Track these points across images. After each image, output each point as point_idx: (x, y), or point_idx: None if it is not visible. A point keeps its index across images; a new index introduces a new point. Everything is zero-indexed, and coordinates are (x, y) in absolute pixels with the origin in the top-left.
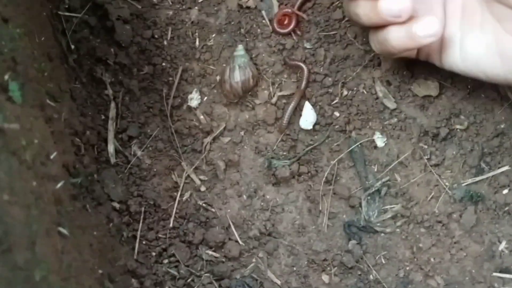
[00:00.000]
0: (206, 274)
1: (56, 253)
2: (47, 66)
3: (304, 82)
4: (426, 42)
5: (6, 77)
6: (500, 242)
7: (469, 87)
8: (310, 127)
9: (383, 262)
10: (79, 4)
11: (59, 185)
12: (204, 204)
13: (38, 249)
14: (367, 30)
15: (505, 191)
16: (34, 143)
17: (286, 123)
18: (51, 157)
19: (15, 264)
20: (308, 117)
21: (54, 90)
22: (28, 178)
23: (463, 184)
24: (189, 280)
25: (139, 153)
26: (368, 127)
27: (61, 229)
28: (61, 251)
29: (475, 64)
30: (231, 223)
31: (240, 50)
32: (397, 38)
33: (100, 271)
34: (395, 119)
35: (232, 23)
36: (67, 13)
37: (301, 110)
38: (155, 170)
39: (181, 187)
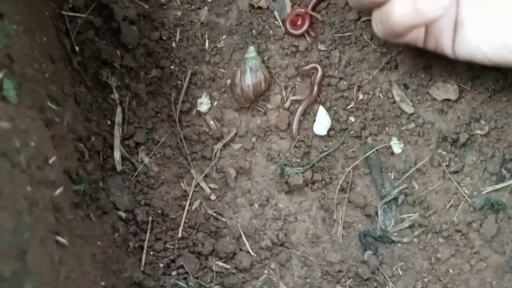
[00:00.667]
0: (216, 286)
1: (51, 264)
2: (49, 67)
3: (316, 87)
4: (433, 15)
5: (0, 75)
6: None
7: (489, 90)
8: (324, 132)
9: (400, 273)
10: (83, 4)
11: (58, 191)
12: (214, 213)
13: (30, 258)
14: (369, 13)
15: None
16: (30, 145)
17: (295, 130)
18: (50, 161)
19: (1, 275)
20: (322, 123)
21: (56, 93)
22: (21, 182)
23: (484, 192)
24: None
25: (146, 160)
26: (384, 132)
27: (59, 238)
28: (58, 262)
29: (492, 51)
30: (242, 233)
31: (251, 52)
32: (401, 14)
33: (103, 283)
34: (413, 124)
35: (243, 24)
36: (71, 13)
37: (315, 115)
38: (163, 178)
39: (190, 196)
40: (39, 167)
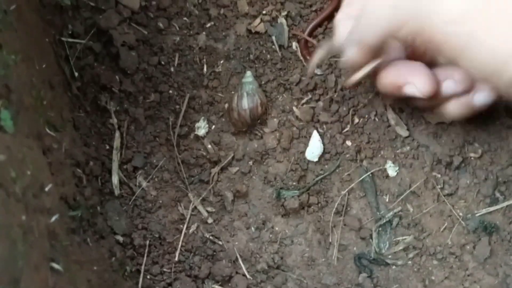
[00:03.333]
0: None
1: None
2: (48, 94)
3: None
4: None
5: None
6: None
7: (483, 114)
8: (315, 159)
9: None
10: (83, 30)
11: (53, 218)
12: (211, 237)
13: (23, 285)
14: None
15: None
16: (26, 174)
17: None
18: (46, 189)
19: None
20: (314, 149)
21: (54, 119)
22: (16, 211)
23: (477, 215)
24: None
25: (144, 184)
26: (379, 155)
27: (53, 264)
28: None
29: None
30: (238, 256)
31: (248, 76)
32: (456, 108)
33: None
34: (408, 147)
35: (241, 49)
36: (70, 39)
37: (309, 137)
38: (160, 201)
39: (187, 219)
40: (35, 195)
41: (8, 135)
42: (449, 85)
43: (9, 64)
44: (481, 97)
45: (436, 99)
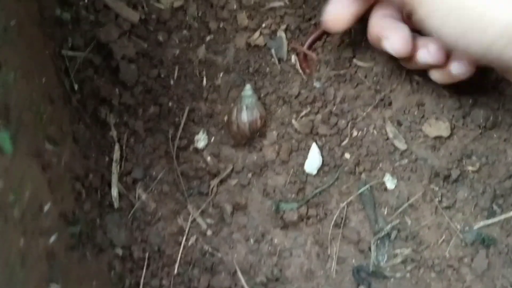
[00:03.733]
0: None
1: None
2: (48, 108)
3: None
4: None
5: None
6: None
7: (481, 127)
8: (314, 172)
9: None
10: (83, 43)
11: (52, 239)
12: (210, 249)
13: None
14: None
15: None
16: (24, 196)
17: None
18: (45, 209)
19: None
20: (313, 162)
21: (54, 133)
22: (14, 237)
23: (475, 227)
24: None
25: (143, 196)
26: (378, 168)
27: (53, 285)
28: None
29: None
30: (237, 269)
31: (247, 90)
32: (437, 76)
33: None
34: (406, 160)
35: (240, 62)
36: (70, 52)
37: (308, 150)
38: (160, 214)
39: (186, 231)
40: (34, 217)
41: (7, 157)
42: (422, 55)
43: (9, 83)
44: (456, 67)
45: (413, 63)
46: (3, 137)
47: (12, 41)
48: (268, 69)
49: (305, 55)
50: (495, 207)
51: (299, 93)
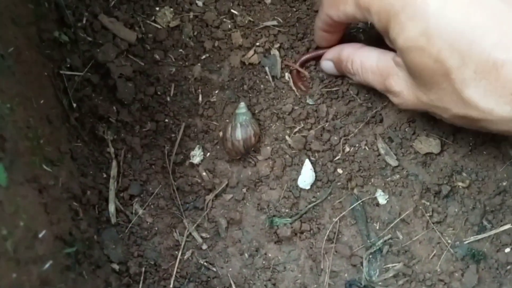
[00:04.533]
0: None
1: None
2: (45, 130)
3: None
4: None
5: None
6: None
7: (470, 144)
8: (308, 187)
9: None
10: (81, 63)
11: (46, 266)
12: (205, 263)
13: None
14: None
15: (507, 250)
16: (18, 227)
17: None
18: (40, 235)
19: None
20: (306, 177)
21: (52, 154)
22: (6, 270)
23: (465, 242)
24: None
25: (140, 211)
26: (370, 184)
27: None
28: None
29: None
30: (232, 283)
31: (242, 107)
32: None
33: None
34: (397, 176)
35: (235, 79)
36: (68, 72)
37: (301, 165)
38: (156, 228)
39: (182, 246)
40: (28, 246)
41: (1, 189)
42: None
43: (4, 114)
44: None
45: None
46: None
47: (9, 69)
48: (262, 86)
49: (298, 73)
50: (485, 222)
51: (292, 110)
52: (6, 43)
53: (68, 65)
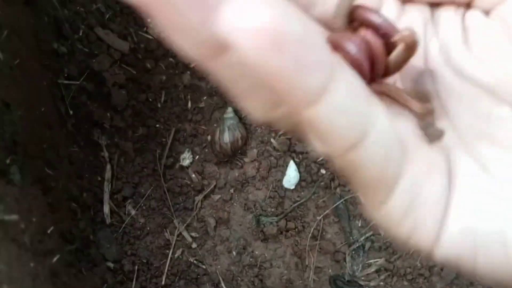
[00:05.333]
0: None
1: None
2: (47, 135)
3: None
4: None
5: (8, 161)
6: None
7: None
8: (292, 187)
9: None
10: (77, 72)
11: (55, 258)
12: (195, 261)
13: None
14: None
15: None
16: (32, 222)
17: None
18: (48, 231)
19: None
20: (291, 178)
21: (53, 158)
22: (25, 261)
23: None
24: None
25: (133, 212)
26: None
27: None
28: None
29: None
30: (221, 280)
31: (229, 112)
32: None
33: None
34: None
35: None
36: (66, 81)
37: (286, 166)
38: (148, 228)
39: (173, 245)
40: (40, 240)
41: (17, 188)
42: None
43: (15, 120)
44: None
45: None
46: (13, 170)
47: (16, 79)
48: None
49: None
50: None
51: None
52: (13, 55)
53: (66, 75)
